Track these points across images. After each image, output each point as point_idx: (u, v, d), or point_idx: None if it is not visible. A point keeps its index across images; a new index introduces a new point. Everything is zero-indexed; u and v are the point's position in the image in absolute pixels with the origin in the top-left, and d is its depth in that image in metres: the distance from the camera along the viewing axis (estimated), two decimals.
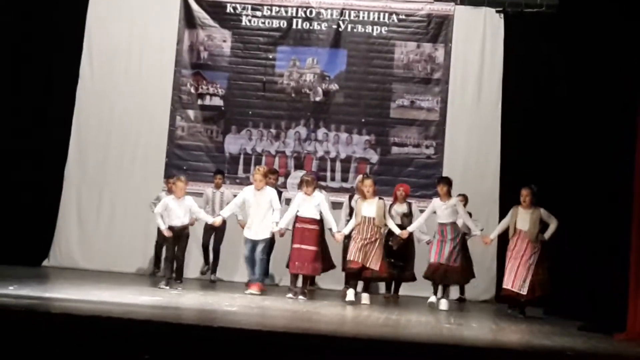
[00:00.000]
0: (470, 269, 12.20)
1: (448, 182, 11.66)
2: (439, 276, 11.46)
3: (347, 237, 11.94)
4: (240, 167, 14.23)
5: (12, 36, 14.00)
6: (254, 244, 11.68)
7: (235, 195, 12.24)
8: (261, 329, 7.67)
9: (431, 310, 11.13)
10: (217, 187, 13.45)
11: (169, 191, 13.01)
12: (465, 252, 11.89)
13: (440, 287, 11.68)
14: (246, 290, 11.58)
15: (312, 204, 11.60)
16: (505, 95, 13.94)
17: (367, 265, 11.28)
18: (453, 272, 11.47)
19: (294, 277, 11.65)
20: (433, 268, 11.46)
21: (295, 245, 11.61)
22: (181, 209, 11.78)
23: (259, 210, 11.67)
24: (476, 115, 14.09)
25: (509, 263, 11.08)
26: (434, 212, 11.55)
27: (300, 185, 12.14)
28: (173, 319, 7.93)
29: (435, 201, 11.61)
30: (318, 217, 11.63)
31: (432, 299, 11.55)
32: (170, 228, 11.70)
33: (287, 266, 12.09)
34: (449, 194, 11.56)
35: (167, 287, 11.46)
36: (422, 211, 12.08)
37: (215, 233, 13.01)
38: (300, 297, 11.40)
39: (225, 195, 13.27)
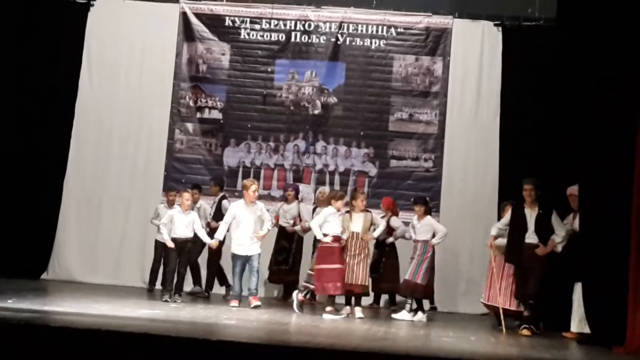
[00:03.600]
0: (432, 288, 12.17)
1: (425, 202, 12.00)
2: (408, 291, 11.57)
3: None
4: (239, 180, 14.21)
5: (11, 49, 14.02)
6: (245, 259, 11.64)
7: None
8: (260, 342, 7.67)
9: (430, 324, 11.13)
10: (195, 202, 13.26)
11: (169, 204, 13.01)
12: (432, 271, 11.96)
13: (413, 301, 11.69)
14: (230, 303, 11.53)
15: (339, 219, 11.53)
16: (504, 108, 13.95)
17: (355, 283, 11.36)
18: (419, 289, 11.58)
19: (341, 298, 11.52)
20: (403, 285, 11.73)
21: (336, 266, 11.36)
22: (186, 221, 11.80)
23: (251, 225, 11.67)
24: (475, 128, 14.11)
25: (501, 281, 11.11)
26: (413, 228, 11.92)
27: (331, 200, 11.67)
28: (172, 333, 7.92)
29: (414, 219, 11.95)
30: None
31: (400, 315, 11.51)
32: (173, 240, 11.73)
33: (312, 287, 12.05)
34: (425, 213, 11.82)
35: (169, 300, 11.47)
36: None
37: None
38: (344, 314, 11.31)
39: (202, 210, 13.12)
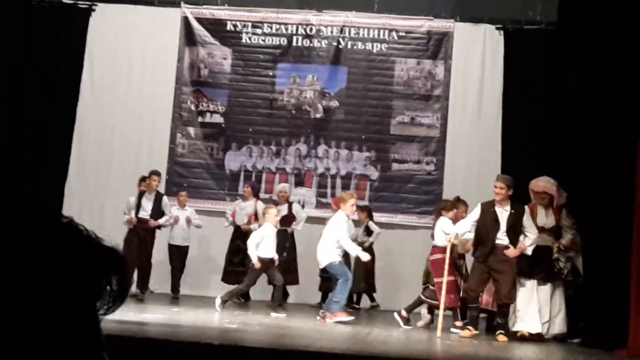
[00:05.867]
0: None
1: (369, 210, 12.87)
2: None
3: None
4: (241, 184, 14.21)
5: (13, 54, 14.04)
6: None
7: None
8: (262, 346, 7.67)
9: (433, 326, 11.08)
10: (150, 191, 12.91)
11: (180, 204, 12.92)
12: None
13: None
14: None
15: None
16: (505, 111, 13.95)
17: None
18: None
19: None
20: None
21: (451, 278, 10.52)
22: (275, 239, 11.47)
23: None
24: (476, 132, 14.10)
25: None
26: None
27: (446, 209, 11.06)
28: (173, 337, 7.92)
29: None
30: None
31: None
32: (260, 260, 11.24)
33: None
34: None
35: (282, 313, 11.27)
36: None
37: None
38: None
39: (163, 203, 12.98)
